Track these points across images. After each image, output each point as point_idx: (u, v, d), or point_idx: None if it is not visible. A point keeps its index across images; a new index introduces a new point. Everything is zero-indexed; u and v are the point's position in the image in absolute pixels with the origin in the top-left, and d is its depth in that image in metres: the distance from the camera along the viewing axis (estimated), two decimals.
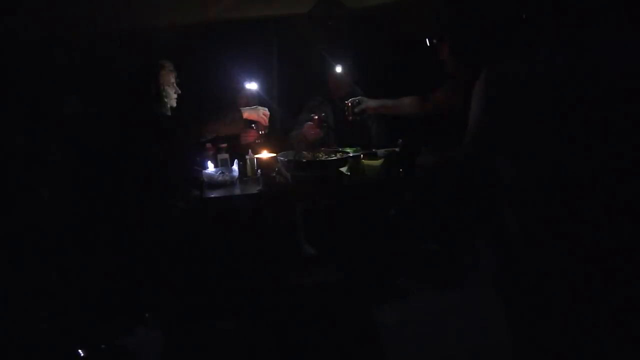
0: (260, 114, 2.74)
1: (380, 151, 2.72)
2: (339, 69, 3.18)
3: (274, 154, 2.71)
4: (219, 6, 3.03)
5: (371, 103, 2.83)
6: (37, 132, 2.62)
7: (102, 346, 2.29)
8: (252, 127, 2.82)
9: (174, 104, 2.66)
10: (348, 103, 2.85)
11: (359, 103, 2.81)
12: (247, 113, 2.71)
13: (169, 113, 2.65)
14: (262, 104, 2.91)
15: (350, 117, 2.84)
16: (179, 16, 3.03)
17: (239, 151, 2.86)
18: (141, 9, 2.83)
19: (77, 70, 2.97)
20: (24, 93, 2.71)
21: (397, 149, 2.73)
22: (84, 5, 2.62)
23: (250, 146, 2.90)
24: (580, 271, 1.91)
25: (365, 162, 2.66)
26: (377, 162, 2.63)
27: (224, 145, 2.80)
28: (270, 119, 2.83)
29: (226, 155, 2.75)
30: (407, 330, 2.25)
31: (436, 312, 2.31)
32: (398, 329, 2.29)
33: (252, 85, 3.06)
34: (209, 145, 2.81)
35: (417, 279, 2.58)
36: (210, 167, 2.72)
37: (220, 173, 2.68)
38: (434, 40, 2.20)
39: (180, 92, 2.68)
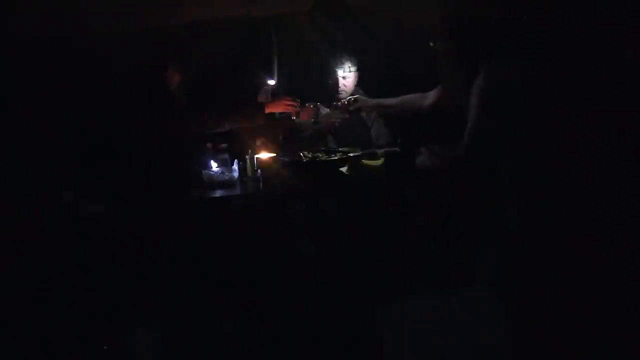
0: (283, 104, 2.74)
1: (380, 151, 2.71)
2: (340, 71, 3.16)
3: (274, 154, 2.71)
4: (219, 5, 3.03)
5: (367, 102, 2.83)
6: (51, 131, 2.63)
7: (105, 347, 2.29)
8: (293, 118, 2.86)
9: (183, 105, 2.67)
10: (344, 101, 2.85)
11: (355, 101, 2.81)
12: (270, 106, 2.72)
13: (176, 116, 2.66)
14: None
15: (347, 115, 2.84)
16: (178, 16, 3.03)
17: (239, 151, 2.86)
18: (141, 8, 2.83)
19: (85, 70, 2.97)
20: (35, 93, 2.72)
21: (397, 149, 2.73)
22: (87, 6, 2.62)
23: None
24: (580, 271, 1.91)
25: (365, 162, 2.66)
26: (377, 162, 2.63)
27: (224, 145, 2.80)
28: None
29: (226, 155, 2.75)
30: (407, 330, 2.25)
31: (436, 312, 2.30)
32: (399, 329, 2.29)
33: (270, 81, 3.05)
34: (209, 145, 2.81)
35: (418, 279, 2.57)
36: (214, 167, 2.72)
37: (220, 173, 2.68)
38: (434, 41, 2.21)
39: (185, 93, 2.69)
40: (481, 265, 2.37)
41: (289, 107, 2.82)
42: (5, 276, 2.29)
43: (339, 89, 3.19)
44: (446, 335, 2.20)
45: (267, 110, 2.78)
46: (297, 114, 2.91)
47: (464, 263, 2.50)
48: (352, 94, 3.19)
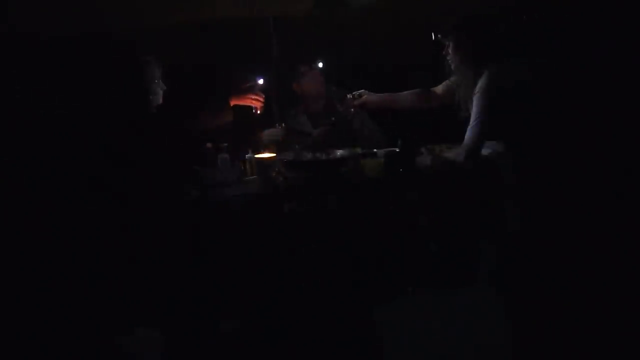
0: (250, 98, 2.74)
1: (380, 151, 2.71)
2: (310, 73, 3.14)
3: (274, 154, 2.71)
4: (218, 5, 3.02)
5: (372, 97, 2.82)
6: (34, 131, 2.61)
7: (102, 346, 2.28)
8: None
9: (160, 101, 2.66)
10: (349, 96, 2.84)
11: (359, 96, 2.80)
12: (235, 100, 2.71)
13: (154, 111, 2.65)
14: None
15: (352, 110, 2.84)
16: (177, 15, 3.02)
17: (239, 151, 2.86)
18: (139, 7, 2.82)
19: (68, 69, 2.95)
20: (16, 93, 2.70)
21: (397, 149, 2.72)
22: (85, 5, 2.61)
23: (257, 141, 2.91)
24: (581, 271, 1.92)
25: (365, 162, 2.66)
26: (377, 162, 2.63)
27: (224, 145, 2.80)
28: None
29: (226, 155, 2.75)
30: (407, 330, 2.25)
31: (436, 312, 2.31)
32: (398, 329, 2.29)
33: (259, 80, 3.04)
34: (209, 145, 2.81)
35: (417, 279, 2.58)
36: (214, 167, 2.72)
37: (220, 173, 2.67)
38: (439, 37, 2.21)
39: (165, 87, 2.68)
40: (481, 265, 2.37)
41: (254, 102, 2.83)
42: (4, 274, 2.28)
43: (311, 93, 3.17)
44: (446, 335, 2.20)
45: (232, 103, 2.77)
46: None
47: (464, 263, 2.51)
48: (328, 98, 3.16)
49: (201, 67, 3.32)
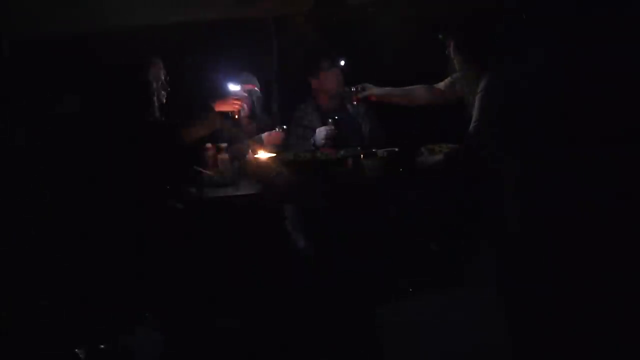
0: (230, 102, 2.77)
1: (380, 151, 2.71)
2: (326, 71, 3.14)
3: (274, 154, 2.71)
4: (218, 5, 3.02)
5: (376, 91, 2.80)
6: (35, 131, 2.62)
7: (102, 346, 2.29)
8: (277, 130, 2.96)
9: (164, 101, 2.68)
10: (352, 89, 2.82)
11: (363, 89, 2.79)
12: (220, 106, 2.75)
13: (157, 112, 2.66)
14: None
15: (355, 103, 2.83)
16: (177, 15, 3.03)
17: (238, 151, 2.86)
18: (139, 8, 2.83)
19: (69, 70, 2.96)
20: (17, 93, 2.71)
21: (397, 149, 2.72)
22: (85, 4, 2.62)
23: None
24: (581, 271, 1.91)
25: (365, 162, 2.66)
26: (377, 162, 2.62)
27: (224, 145, 2.81)
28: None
29: (226, 155, 2.75)
30: (407, 330, 2.25)
31: (436, 312, 2.30)
32: (398, 329, 2.29)
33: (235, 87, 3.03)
34: (209, 145, 2.81)
35: (417, 279, 2.58)
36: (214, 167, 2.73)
37: (220, 173, 2.68)
38: (442, 35, 2.20)
39: (169, 89, 2.70)
40: (481, 265, 2.37)
41: (235, 106, 2.85)
42: (3, 274, 2.28)
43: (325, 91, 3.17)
44: (446, 335, 2.20)
45: (217, 109, 2.80)
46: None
47: (464, 263, 2.51)
48: (340, 96, 3.16)
49: (201, 67, 3.32)
